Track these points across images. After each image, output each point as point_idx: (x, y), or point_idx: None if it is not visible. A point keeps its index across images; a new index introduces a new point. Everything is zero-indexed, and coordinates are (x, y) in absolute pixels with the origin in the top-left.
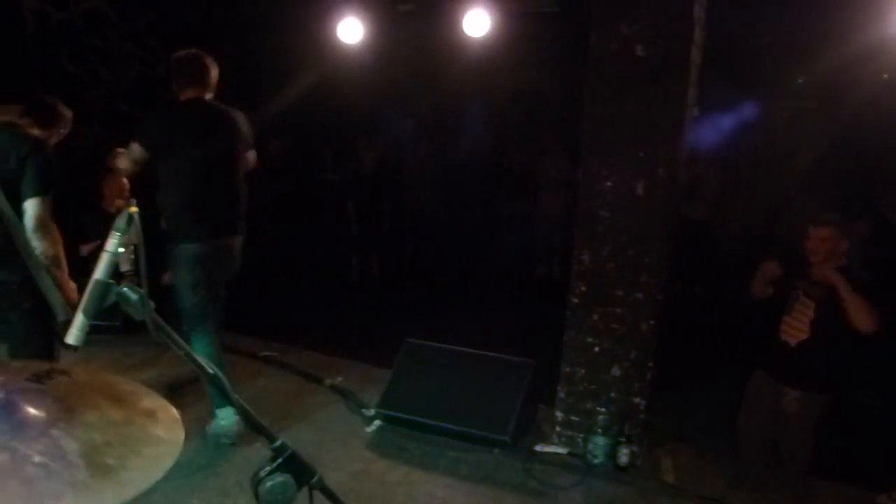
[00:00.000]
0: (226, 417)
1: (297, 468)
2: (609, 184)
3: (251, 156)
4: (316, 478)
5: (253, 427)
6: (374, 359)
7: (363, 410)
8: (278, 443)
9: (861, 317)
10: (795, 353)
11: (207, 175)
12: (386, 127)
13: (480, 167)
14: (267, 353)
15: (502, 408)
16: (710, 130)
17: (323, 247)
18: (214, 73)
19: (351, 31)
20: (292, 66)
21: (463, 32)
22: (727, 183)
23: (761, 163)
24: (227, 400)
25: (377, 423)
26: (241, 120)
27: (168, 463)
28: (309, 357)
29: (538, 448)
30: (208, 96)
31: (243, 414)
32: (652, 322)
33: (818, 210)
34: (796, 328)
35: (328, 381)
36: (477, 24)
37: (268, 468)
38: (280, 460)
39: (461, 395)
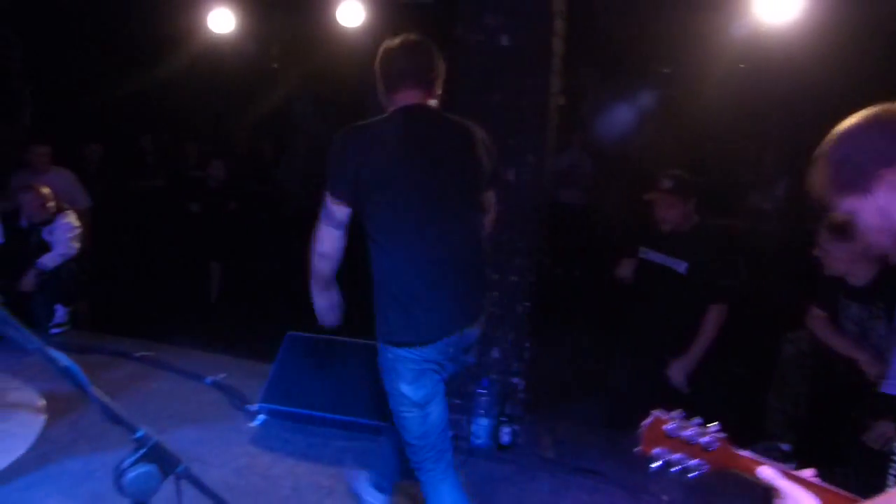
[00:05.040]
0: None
1: (162, 458)
2: None
3: None
4: (182, 467)
5: (111, 418)
6: (258, 354)
7: (246, 406)
8: (140, 433)
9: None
10: None
11: None
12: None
13: None
14: (144, 354)
15: (385, 395)
16: (586, 118)
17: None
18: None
19: (222, 20)
20: (162, 56)
21: (338, 23)
22: (601, 169)
23: (631, 149)
24: (112, 419)
25: (261, 417)
26: None
27: (7, 461)
28: (189, 355)
29: None
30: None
31: (100, 405)
32: (527, 304)
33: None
34: None
35: (209, 379)
36: (351, 14)
37: (130, 459)
38: (143, 451)
39: (344, 384)
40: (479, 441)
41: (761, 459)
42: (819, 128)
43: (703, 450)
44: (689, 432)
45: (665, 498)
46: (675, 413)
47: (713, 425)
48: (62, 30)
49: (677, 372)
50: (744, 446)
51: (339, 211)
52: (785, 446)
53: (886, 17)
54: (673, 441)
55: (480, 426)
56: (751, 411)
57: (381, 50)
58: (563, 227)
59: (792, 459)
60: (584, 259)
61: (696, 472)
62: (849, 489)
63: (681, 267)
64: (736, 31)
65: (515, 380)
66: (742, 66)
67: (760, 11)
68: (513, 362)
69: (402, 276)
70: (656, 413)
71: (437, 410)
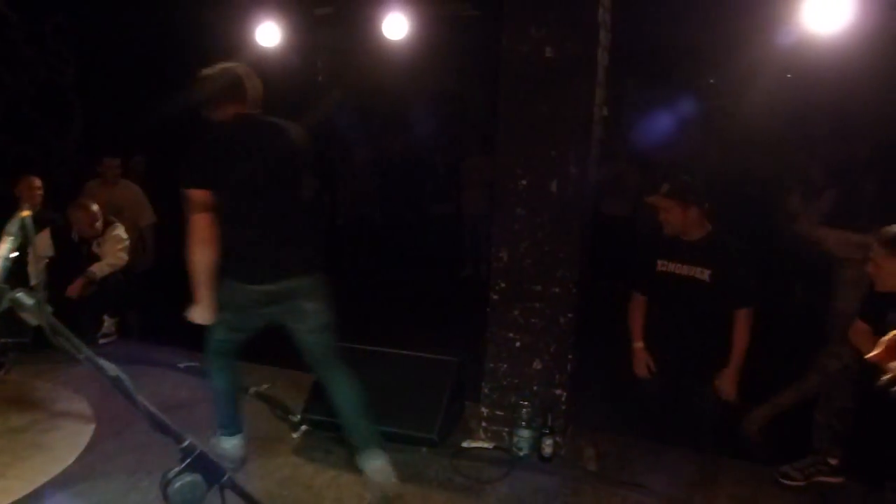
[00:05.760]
0: (232, 443)
1: (207, 468)
2: (524, 182)
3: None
4: (226, 477)
5: (158, 428)
6: (301, 364)
7: (289, 416)
8: (186, 443)
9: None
10: None
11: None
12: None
13: (406, 170)
14: (189, 364)
15: (428, 406)
16: (629, 128)
17: None
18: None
19: (269, 35)
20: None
21: (382, 36)
22: (647, 179)
23: (678, 160)
24: (134, 403)
25: (304, 428)
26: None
27: (56, 470)
28: None
29: (465, 444)
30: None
31: (148, 415)
32: (570, 315)
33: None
34: None
35: (253, 389)
36: (396, 27)
37: (176, 469)
38: (188, 460)
39: (387, 395)
40: (520, 453)
41: None
42: (867, 139)
43: None
44: None
45: None
46: None
47: None
48: (112, 44)
49: (727, 384)
50: (791, 461)
51: (202, 196)
52: (833, 460)
53: None
54: None
55: (522, 438)
56: (798, 424)
57: (202, 76)
58: (607, 239)
59: (840, 474)
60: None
61: None
62: None
63: (704, 275)
64: (782, 39)
65: (558, 391)
66: (789, 75)
67: (808, 20)
68: (555, 374)
69: (237, 239)
70: None
71: (241, 338)
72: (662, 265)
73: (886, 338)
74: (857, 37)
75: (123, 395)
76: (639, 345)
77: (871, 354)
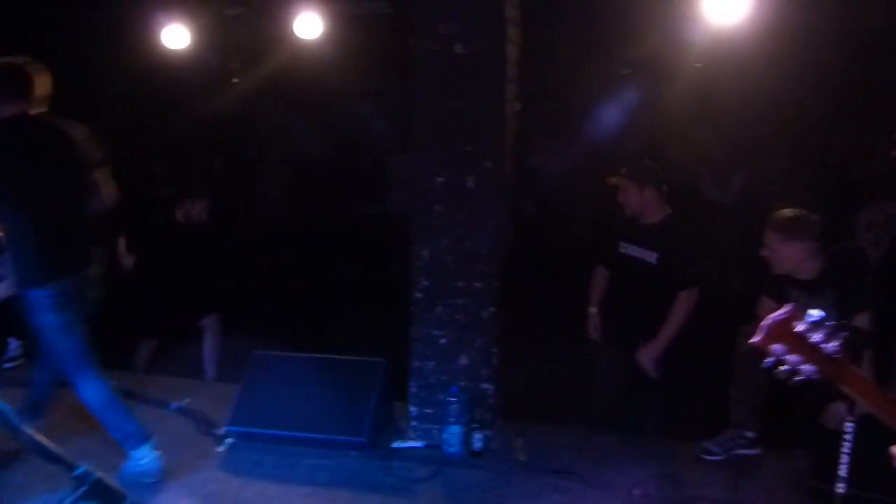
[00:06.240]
0: (145, 456)
1: (105, 494)
2: (440, 179)
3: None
4: (128, 501)
5: (47, 458)
6: (224, 375)
7: (214, 430)
8: (80, 471)
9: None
10: None
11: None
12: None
13: (330, 170)
14: None
15: (357, 410)
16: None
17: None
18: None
19: (177, 37)
20: (118, 75)
21: (296, 36)
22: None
23: (598, 153)
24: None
25: (229, 441)
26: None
27: None
28: (151, 381)
29: (396, 445)
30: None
31: (35, 446)
32: (492, 309)
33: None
34: None
35: (174, 405)
36: (309, 26)
37: (69, 499)
38: (83, 489)
39: (315, 401)
40: (451, 449)
41: (874, 387)
42: (768, 123)
43: (823, 358)
44: (819, 336)
45: (636, 492)
46: (812, 313)
47: (844, 333)
48: (3, 50)
49: (645, 356)
50: (710, 436)
51: None
52: (750, 434)
53: (828, 18)
54: (798, 341)
55: (452, 434)
56: (715, 400)
57: None
58: (529, 232)
59: (757, 445)
60: (553, 262)
61: (804, 378)
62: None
63: (652, 258)
64: (689, 33)
65: (485, 385)
66: (698, 65)
67: (709, 13)
68: (481, 368)
69: (30, 238)
70: (792, 308)
71: (76, 334)
72: (622, 247)
73: (765, 322)
74: (758, 27)
75: (4, 426)
76: (592, 310)
77: (752, 340)
